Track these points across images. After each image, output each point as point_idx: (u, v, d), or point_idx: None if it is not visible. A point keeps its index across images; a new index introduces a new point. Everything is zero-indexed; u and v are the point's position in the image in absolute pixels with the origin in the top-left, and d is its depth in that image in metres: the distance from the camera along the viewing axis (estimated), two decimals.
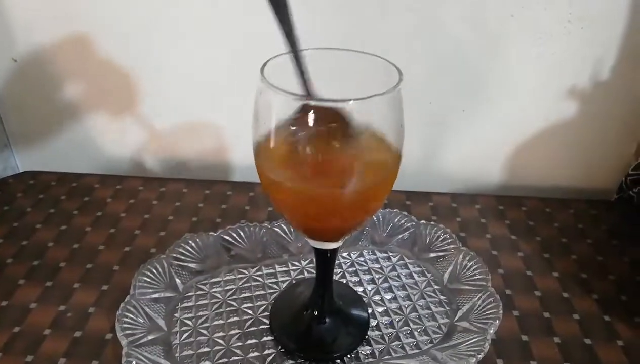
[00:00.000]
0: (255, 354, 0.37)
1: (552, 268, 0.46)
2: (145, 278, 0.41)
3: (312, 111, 0.28)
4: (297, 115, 0.28)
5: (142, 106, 0.57)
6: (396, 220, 0.48)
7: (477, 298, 0.40)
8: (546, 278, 0.45)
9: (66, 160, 0.60)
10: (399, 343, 0.38)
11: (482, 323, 0.38)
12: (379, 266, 0.45)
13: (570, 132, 0.55)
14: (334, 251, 0.36)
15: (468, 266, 0.43)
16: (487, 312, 0.38)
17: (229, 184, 0.57)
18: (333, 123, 0.29)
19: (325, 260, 0.37)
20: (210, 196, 0.54)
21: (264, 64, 0.29)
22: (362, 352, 0.37)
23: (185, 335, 0.38)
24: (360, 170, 0.30)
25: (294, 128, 0.29)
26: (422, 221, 0.48)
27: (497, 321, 0.37)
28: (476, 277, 0.42)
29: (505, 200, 0.55)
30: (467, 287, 0.41)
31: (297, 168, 0.31)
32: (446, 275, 0.43)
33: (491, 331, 0.36)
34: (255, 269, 0.44)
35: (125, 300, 0.38)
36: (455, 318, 0.39)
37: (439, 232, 0.47)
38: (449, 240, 0.46)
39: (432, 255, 0.45)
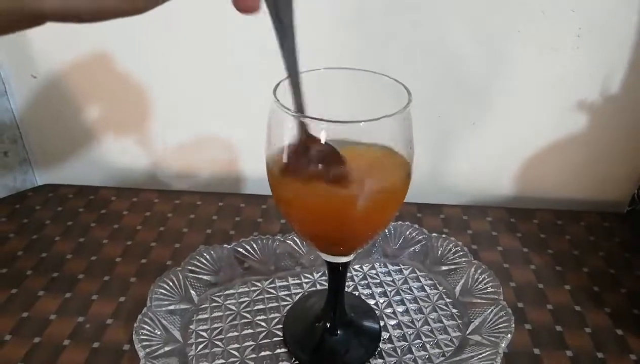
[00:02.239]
0: None
1: (564, 281, 0.46)
2: (162, 290, 0.42)
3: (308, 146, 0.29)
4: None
5: (157, 120, 0.58)
6: (407, 232, 0.49)
7: (489, 312, 0.40)
8: (558, 291, 0.45)
9: (83, 173, 0.61)
10: (411, 356, 0.38)
11: (494, 337, 0.38)
12: (390, 278, 0.45)
13: (581, 144, 0.55)
14: (346, 265, 0.37)
15: (480, 280, 0.43)
16: (499, 326, 0.38)
17: (241, 196, 0.58)
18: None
19: (337, 273, 0.37)
20: (223, 208, 0.55)
21: (277, 85, 0.30)
22: None
23: (200, 347, 0.39)
24: (370, 186, 0.31)
25: (304, 146, 0.30)
26: (434, 234, 0.48)
27: (509, 334, 0.37)
28: (488, 290, 0.42)
29: (517, 212, 0.55)
30: (479, 300, 0.42)
31: (308, 185, 0.31)
32: (458, 288, 0.44)
33: (503, 344, 0.37)
34: (268, 281, 0.45)
35: (142, 312, 0.39)
36: (467, 332, 0.40)
37: (451, 245, 0.47)
38: (461, 253, 0.46)
39: (444, 267, 0.46)
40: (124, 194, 0.57)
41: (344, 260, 0.36)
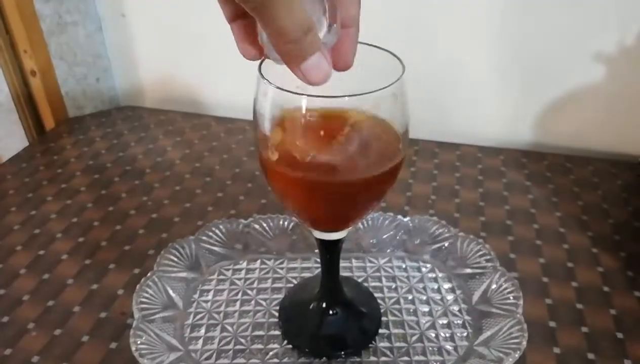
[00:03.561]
0: (259, 346, 0.37)
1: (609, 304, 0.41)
2: (171, 257, 0.42)
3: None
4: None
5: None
6: (433, 229, 0.45)
7: (502, 324, 0.36)
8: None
9: None
10: (408, 358, 0.35)
11: (502, 352, 0.34)
12: (406, 275, 0.42)
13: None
14: (338, 242, 0.35)
15: (502, 288, 0.39)
16: (509, 341, 0.34)
17: None
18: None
19: (331, 251, 0.36)
20: None
21: (261, 62, 0.28)
22: (366, 361, 0.35)
23: (198, 317, 0.39)
24: (363, 158, 0.29)
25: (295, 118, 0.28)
26: (461, 233, 0.44)
27: (518, 353, 0.33)
28: (508, 301, 0.38)
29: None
30: (495, 310, 0.38)
31: (298, 159, 0.29)
32: (476, 295, 0.40)
33: (508, 363, 0.33)
34: (278, 261, 0.44)
35: (147, 275, 0.40)
36: (476, 342, 0.36)
37: (478, 247, 0.43)
38: (488, 257, 0.42)
39: (468, 270, 0.42)
40: (188, 117, 0.66)
41: (335, 236, 0.34)
